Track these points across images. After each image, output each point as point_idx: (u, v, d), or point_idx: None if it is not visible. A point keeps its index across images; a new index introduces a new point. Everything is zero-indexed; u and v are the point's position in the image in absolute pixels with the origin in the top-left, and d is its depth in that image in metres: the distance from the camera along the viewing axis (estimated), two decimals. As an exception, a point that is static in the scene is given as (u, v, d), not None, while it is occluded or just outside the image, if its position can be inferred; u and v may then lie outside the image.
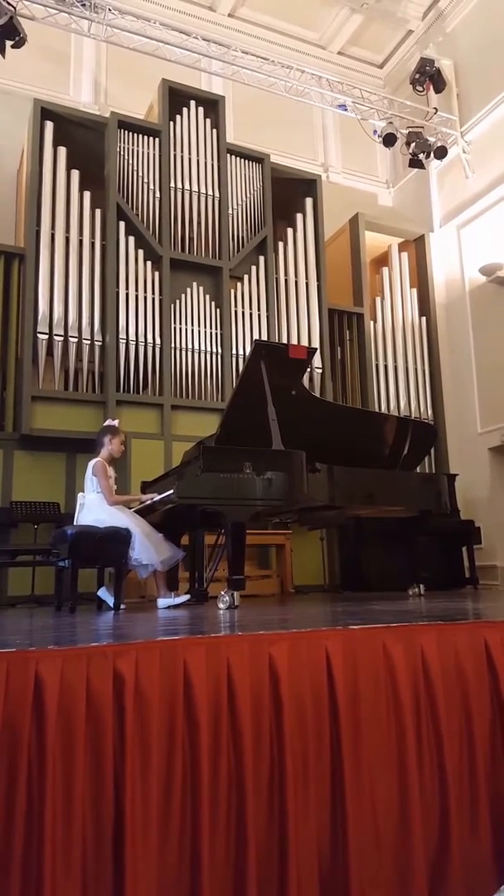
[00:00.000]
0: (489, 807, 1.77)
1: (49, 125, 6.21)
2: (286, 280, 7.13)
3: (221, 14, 8.19)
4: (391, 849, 1.62)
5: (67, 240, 6.12)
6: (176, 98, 6.83)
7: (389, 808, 1.65)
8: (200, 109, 6.95)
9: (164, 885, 1.41)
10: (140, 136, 6.60)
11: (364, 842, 1.58)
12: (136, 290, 6.28)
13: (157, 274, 6.42)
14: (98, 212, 6.31)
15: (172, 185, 6.61)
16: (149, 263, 6.40)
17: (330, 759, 1.63)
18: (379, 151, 8.84)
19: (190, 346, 6.44)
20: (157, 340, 6.27)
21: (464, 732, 1.79)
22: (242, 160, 7.11)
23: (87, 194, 6.28)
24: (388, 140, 7.55)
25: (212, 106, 7.04)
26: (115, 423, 4.51)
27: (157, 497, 4.02)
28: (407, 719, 1.71)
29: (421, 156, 7.63)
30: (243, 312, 6.79)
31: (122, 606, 3.88)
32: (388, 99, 7.97)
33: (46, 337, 5.83)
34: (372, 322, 7.74)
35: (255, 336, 6.72)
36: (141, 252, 6.37)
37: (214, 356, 6.54)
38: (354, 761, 1.63)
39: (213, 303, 6.66)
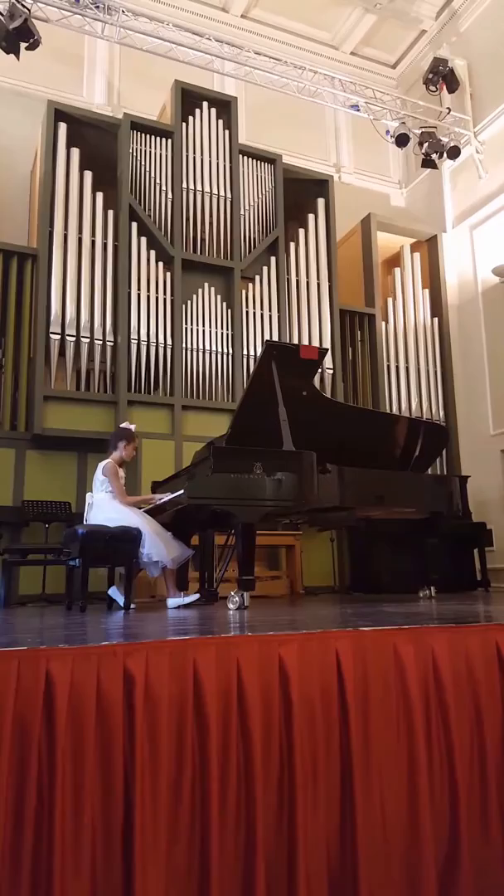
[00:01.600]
0: (500, 810, 1.75)
1: (62, 126, 6.25)
2: (298, 281, 7.12)
3: (234, 15, 8.20)
4: (401, 852, 1.61)
5: (80, 240, 6.15)
6: (188, 99, 6.84)
7: (399, 810, 1.64)
8: (213, 110, 6.96)
9: (172, 885, 1.41)
10: (153, 137, 6.62)
11: (373, 844, 1.58)
12: (148, 290, 6.30)
13: (168, 274, 6.44)
14: (110, 212, 6.34)
15: (185, 185, 6.63)
16: (160, 264, 6.42)
17: (339, 760, 1.62)
18: (391, 152, 8.81)
19: (201, 346, 6.45)
20: (169, 341, 6.29)
21: (474, 735, 1.77)
22: (254, 161, 7.12)
23: (99, 195, 6.31)
24: (401, 140, 7.52)
25: (224, 107, 7.05)
26: (132, 427, 4.47)
27: (168, 497, 4.03)
28: (417, 721, 1.70)
29: (434, 156, 7.58)
30: (254, 313, 6.79)
31: (133, 606, 3.90)
32: (400, 99, 7.94)
33: (59, 337, 5.87)
34: (384, 323, 7.71)
35: (267, 336, 6.72)
36: (153, 253, 6.39)
37: (225, 357, 6.55)
38: (364, 763, 1.62)
39: (224, 303, 6.67)
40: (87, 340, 5.98)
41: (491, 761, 1.76)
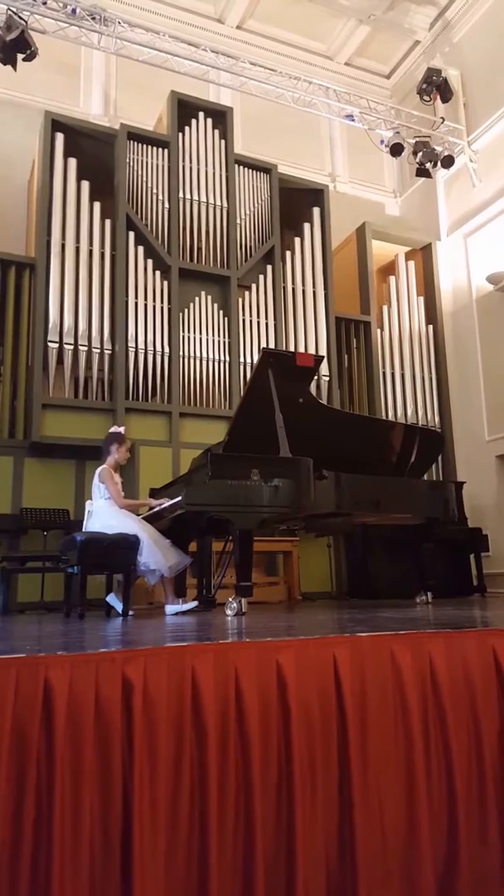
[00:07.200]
0: (498, 816, 1.76)
1: (59, 137, 6.29)
2: (294, 289, 7.16)
3: (230, 26, 8.28)
4: (399, 858, 1.62)
5: (77, 250, 6.18)
6: (185, 109, 6.90)
7: (397, 817, 1.64)
8: (209, 120, 7.01)
9: (171, 892, 1.41)
10: (149, 147, 6.67)
11: (372, 849, 1.58)
12: (145, 299, 6.33)
13: (165, 283, 6.47)
14: (108, 222, 6.38)
15: (181, 195, 6.67)
16: (157, 273, 6.45)
17: (337, 766, 1.63)
18: (386, 161, 8.87)
19: (198, 354, 6.47)
20: (166, 349, 6.32)
21: (472, 741, 1.78)
22: (250, 170, 7.17)
23: (97, 205, 6.35)
24: (395, 150, 7.59)
25: (220, 117, 7.11)
26: (122, 430, 4.55)
27: (166, 503, 4.04)
28: (415, 727, 1.70)
29: (428, 165, 7.65)
30: (251, 321, 6.82)
31: (131, 613, 3.90)
32: (395, 109, 8.01)
33: (57, 345, 5.89)
34: (379, 330, 7.76)
35: (263, 344, 6.75)
36: (150, 262, 6.43)
37: (222, 364, 6.58)
38: (362, 769, 1.63)
39: (220, 311, 6.70)
40: (85, 348, 6.00)
41: (488, 765, 1.77)
